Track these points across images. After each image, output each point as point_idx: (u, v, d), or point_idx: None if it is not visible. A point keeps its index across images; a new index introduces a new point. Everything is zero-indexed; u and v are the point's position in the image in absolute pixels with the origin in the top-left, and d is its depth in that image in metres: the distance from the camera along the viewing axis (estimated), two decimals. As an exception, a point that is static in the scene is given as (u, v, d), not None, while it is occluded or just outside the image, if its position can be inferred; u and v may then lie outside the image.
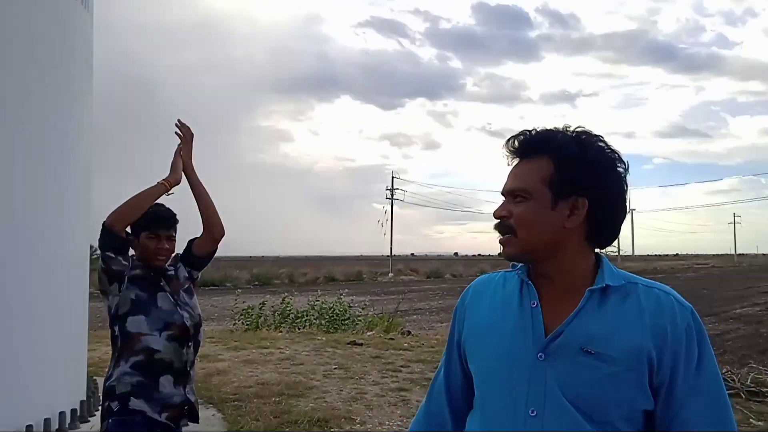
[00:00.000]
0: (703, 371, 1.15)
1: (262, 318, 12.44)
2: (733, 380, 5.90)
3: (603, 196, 1.22)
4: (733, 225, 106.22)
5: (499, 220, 1.26)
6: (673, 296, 1.20)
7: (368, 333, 10.89)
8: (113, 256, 2.40)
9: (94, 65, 5.27)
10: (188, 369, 2.53)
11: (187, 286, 2.62)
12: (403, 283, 38.15)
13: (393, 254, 56.22)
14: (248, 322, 12.25)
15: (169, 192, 2.55)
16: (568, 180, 1.20)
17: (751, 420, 5.02)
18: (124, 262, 2.44)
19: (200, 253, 2.67)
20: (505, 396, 1.19)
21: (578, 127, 1.27)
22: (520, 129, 1.28)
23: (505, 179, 1.30)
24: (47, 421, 4.11)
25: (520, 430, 1.15)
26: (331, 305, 12.96)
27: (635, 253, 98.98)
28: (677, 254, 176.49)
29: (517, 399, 1.17)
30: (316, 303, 13.03)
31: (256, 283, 35.76)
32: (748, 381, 6.00)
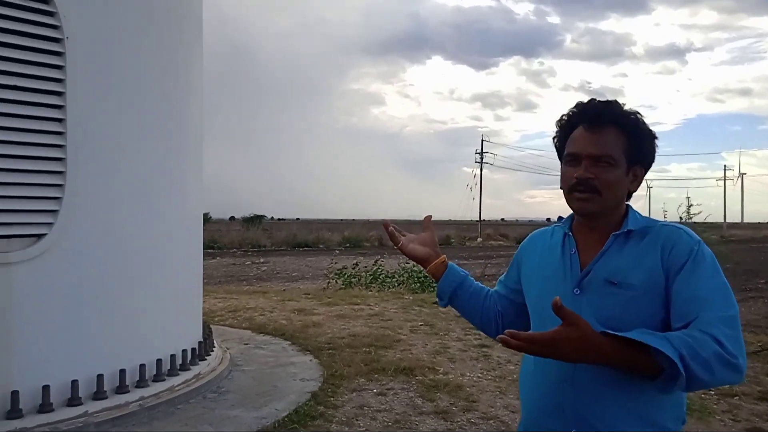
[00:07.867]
0: (698, 278, 1.35)
1: (356, 278, 13.12)
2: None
3: (650, 165, 1.53)
4: None
5: (578, 180, 1.45)
6: (684, 229, 1.43)
7: (454, 294, 11.20)
8: None
9: (203, 33, 5.77)
10: None
11: None
12: (492, 248, 37.93)
13: (482, 219, 55.92)
14: (342, 282, 12.97)
15: None
16: (637, 151, 1.49)
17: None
18: None
19: None
20: (554, 324, 1.42)
21: (614, 99, 1.53)
22: (620, 88, 1.48)
23: (578, 142, 1.47)
24: (172, 357, 4.78)
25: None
26: (420, 268, 13.37)
27: (744, 221, 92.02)
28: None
29: None
30: (407, 265, 13.54)
31: (347, 245, 36.85)
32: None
